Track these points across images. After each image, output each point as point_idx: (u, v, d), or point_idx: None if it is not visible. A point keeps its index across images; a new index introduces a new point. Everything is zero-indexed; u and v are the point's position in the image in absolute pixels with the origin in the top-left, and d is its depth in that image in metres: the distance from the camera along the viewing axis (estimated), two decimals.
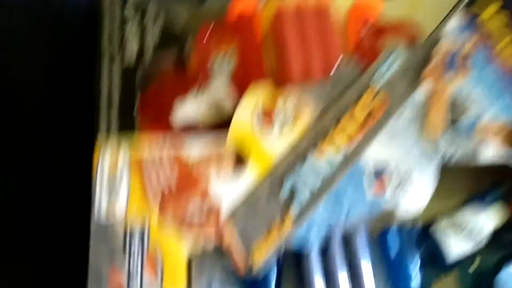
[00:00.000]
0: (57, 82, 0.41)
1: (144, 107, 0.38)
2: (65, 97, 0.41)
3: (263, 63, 0.42)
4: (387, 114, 0.36)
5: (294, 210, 0.33)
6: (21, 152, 0.40)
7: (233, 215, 0.33)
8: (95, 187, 0.33)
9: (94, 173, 0.33)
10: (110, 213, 0.33)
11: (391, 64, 0.37)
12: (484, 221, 0.35)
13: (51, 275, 0.37)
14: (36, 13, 0.42)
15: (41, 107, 0.41)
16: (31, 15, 0.42)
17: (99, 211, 0.33)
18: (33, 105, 0.40)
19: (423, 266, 0.35)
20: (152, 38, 0.39)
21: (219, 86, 0.39)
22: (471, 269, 0.35)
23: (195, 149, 0.34)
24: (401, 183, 0.34)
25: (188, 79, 0.41)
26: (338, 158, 0.35)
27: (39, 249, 0.38)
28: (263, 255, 0.33)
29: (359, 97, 0.36)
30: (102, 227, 0.33)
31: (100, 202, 0.33)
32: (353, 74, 0.37)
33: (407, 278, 0.35)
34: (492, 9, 0.40)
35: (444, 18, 0.39)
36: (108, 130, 0.36)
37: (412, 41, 0.40)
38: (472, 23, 0.39)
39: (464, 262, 0.35)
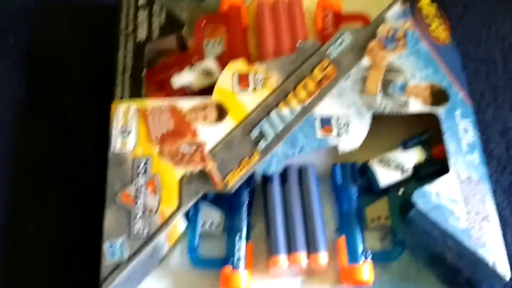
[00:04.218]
0: (87, 55, 0.57)
1: (151, 76, 0.53)
2: (91, 65, 0.57)
3: (247, 46, 0.57)
4: (337, 78, 0.50)
5: (261, 146, 0.48)
6: (58, 107, 0.56)
7: (216, 149, 0.48)
8: (112, 129, 0.48)
9: (111, 118, 0.48)
10: (123, 147, 0.48)
11: (342, 41, 0.52)
12: (408, 158, 0.48)
13: (80, 191, 0.52)
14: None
15: (75, 74, 0.57)
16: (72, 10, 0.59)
17: (115, 146, 0.48)
18: (69, 72, 0.57)
19: (361, 193, 0.49)
20: (158, 23, 0.54)
21: (209, 61, 0.54)
22: (400, 193, 0.48)
23: (187, 102, 0.49)
24: (343, 128, 0.48)
25: (186, 56, 0.56)
26: (298, 108, 0.49)
27: (71, 173, 0.52)
28: (236, 179, 0.47)
29: (317, 64, 0.51)
30: (116, 157, 0.47)
31: (115, 140, 0.48)
32: (313, 48, 0.52)
33: (349, 202, 0.49)
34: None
35: (388, 6, 0.54)
36: (122, 90, 0.51)
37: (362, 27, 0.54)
38: (412, 9, 0.53)
39: (393, 189, 0.48)
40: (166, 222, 0.45)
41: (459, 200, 0.44)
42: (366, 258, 0.45)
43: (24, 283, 0.48)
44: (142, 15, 0.54)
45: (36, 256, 0.49)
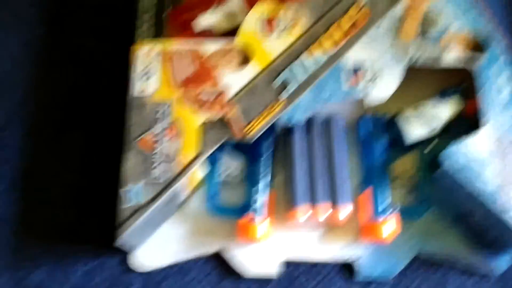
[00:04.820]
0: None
1: (174, 17, 0.51)
2: (113, 5, 0.55)
3: None
4: (368, 25, 0.47)
5: (285, 94, 0.46)
6: (77, 48, 0.55)
7: (237, 96, 0.46)
8: (132, 72, 0.47)
9: (132, 60, 0.47)
10: (143, 91, 0.47)
11: None
12: (441, 111, 0.46)
13: (99, 136, 0.52)
14: None
15: (96, 14, 0.55)
16: None
17: (134, 89, 0.47)
18: (90, 12, 0.56)
19: (389, 147, 0.47)
20: None
21: (234, 2, 0.51)
22: (427, 150, 0.46)
23: (210, 46, 0.47)
24: (372, 78, 0.46)
25: None
26: (323, 58, 0.47)
27: (90, 119, 0.52)
28: (259, 127, 0.46)
29: (346, 10, 0.48)
30: (136, 101, 0.47)
31: (136, 83, 0.47)
32: None
33: (375, 155, 0.47)
34: None
35: None
36: (144, 31, 0.49)
37: None
38: None
39: (421, 144, 0.46)
40: (186, 168, 0.44)
41: (488, 162, 0.42)
42: (392, 211, 0.44)
43: (43, 228, 0.48)
44: None
45: (55, 201, 0.49)
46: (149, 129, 0.45)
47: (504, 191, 0.41)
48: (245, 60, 0.47)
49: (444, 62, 0.45)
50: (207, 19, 0.49)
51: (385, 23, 0.46)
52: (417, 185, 0.45)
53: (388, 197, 0.45)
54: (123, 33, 0.50)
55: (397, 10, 0.46)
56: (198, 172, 0.46)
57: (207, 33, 0.50)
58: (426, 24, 0.46)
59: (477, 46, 0.46)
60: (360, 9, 0.47)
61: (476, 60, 0.45)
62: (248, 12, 0.48)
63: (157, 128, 0.45)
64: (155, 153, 0.44)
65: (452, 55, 0.45)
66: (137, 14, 0.49)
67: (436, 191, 0.44)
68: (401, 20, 0.46)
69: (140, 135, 0.45)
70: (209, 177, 0.46)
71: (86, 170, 0.50)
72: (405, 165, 0.46)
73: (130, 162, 0.44)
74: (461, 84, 0.46)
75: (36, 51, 0.54)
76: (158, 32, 0.48)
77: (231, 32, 0.49)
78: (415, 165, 0.45)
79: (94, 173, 0.50)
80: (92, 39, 0.54)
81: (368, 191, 0.45)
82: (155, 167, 0.44)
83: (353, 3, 0.47)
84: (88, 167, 0.50)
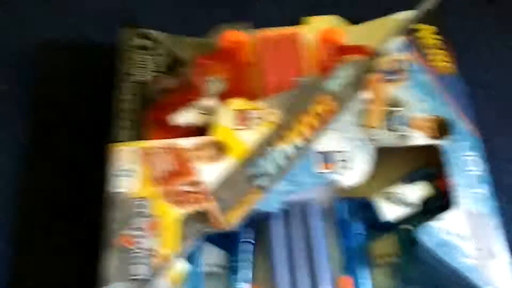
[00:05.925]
0: (87, 97, 0.57)
1: (150, 115, 0.53)
2: (92, 106, 0.57)
3: (248, 83, 0.57)
4: (337, 112, 0.50)
5: (262, 183, 0.47)
6: (58, 149, 0.56)
7: (215, 188, 0.47)
8: (110, 170, 0.48)
9: (109, 160, 0.48)
10: (121, 188, 0.47)
11: (343, 75, 0.51)
12: (414, 192, 0.47)
13: (79, 234, 0.51)
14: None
15: (75, 115, 0.57)
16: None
17: (113, 187, 0.48)
18: (69, 113, 0.57)
19: (367, 229, 0.48)
20: (158, 62, 0.54)
21: (210, 99, 0.53)
22: (403, 229, 0.47)
23: (187, 141, 0.49)
24: (345, 163, 0.47)
25: (186, 95, 0.56)
26: (299, 143, 0.48)
27: (70, 216, 0.52)
28: (237, 217, 0.46)
29: (317, 99, 0.50)
30: (114, 198, 0.47)
31: (114, 181, 0.48)
32: (313, 83, 0.51)
33: (354, 239, 0.47)
34: (429, 30, 0.54)
35: (389, 38, 0.53)
36: (120, 131, 0.51)
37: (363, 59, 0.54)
38: (413, 41, 0.53)
39: (400, 224, 0.47)
40: (167, 264, 0.44)
41: (467, 236, 0.43)
42: None
43: None
44: (142, 54, 0.54)
45: None
46: (128, 226, 0.45)
47: (485, 265, 0.41)
48: (221, 152, 0.48)
49: (412, 143, 0.47)
50: (183, 116, 0.51)
51: (352, 112, 0.48)
52: (399, 266, 0.45)
53: (369, 282, 0.44)
54: (102, 132, 0.51)
55: (362, 100, 0.49)
56: (181, 266, 0.45)
57: (184, 130, 0.51)
58: (391, 111, 0.48)
59: (443, 129, 0.48)
60: (326, 102, 0.49)
61: (444, 141, 0.46)
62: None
63: (137, 224, 0.45)
64: (135, 251, 0.44)
65: (419, 138, 0.47)
66: (113, 114, 0.50)
67: (419, 271, 0.44)
68: (367, 109, 0.48)
69: (119, 232, 0.45)
70: (192, 271, 0.46)
71: (66, 271, 0.50)
72: (386, 246, 0.46)
73: (109, 261, 0.44)
74: (429, 166, 0.47)
75: (18, 151, 0.55)
76: (135, 132, 0.49)
77: (207, 128, 0.50)
78: (396, 246, 0.45)
79: (76, 274, 0.49)
80: (72, 140, 0.56)
81: (349, 277, 0.45)
82: (135, 265, 0.44)
83: (318, 97, 0.49)
84: (69, 267, 0.50)
